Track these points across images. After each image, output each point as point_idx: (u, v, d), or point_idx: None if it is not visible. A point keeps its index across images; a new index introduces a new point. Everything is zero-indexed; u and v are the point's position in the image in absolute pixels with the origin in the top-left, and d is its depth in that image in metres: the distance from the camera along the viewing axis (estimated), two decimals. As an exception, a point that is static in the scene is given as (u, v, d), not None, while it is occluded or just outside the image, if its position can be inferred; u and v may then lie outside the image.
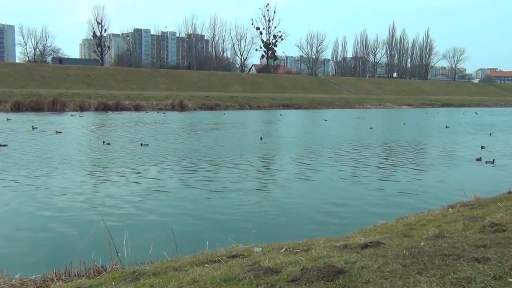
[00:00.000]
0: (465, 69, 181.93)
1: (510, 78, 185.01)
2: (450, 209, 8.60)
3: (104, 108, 50.23)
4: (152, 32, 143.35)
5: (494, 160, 18.57)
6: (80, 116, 41.81)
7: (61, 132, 26.94)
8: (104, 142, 22.71)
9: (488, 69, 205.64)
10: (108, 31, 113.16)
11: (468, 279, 3.60)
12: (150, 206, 11.28)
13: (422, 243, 4.95)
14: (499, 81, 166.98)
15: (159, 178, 14.72)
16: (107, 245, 6.35)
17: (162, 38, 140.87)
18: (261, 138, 25.82)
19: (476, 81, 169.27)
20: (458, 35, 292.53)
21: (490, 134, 31.17)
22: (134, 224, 9.73)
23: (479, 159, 19.07)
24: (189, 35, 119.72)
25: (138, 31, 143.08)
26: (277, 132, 31.76)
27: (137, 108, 52.58)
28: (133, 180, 14.32)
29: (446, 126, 37.86)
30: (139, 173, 15.46)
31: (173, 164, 17.46)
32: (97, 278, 5.37)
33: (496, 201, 8.61)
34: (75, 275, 5.99)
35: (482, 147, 22.72)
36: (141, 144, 22.22)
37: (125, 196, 12.22)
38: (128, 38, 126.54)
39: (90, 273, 5.91)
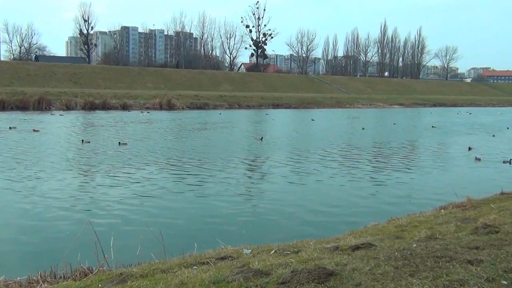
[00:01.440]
0: (458, 68, 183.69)
1: (503, 78, 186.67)
2: (442, 210, 8.60)
3: (90, 107, 49.76)
4: (140, 30, 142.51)
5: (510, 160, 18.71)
6: (60, 115, 41.27)
7: (38, 131, 26.64)
8: (83, 140, 22.59)
9: (480, 68, 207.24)
10: (95, 29, 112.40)
11: (461, 281, 3.56)
12: (137, 207, 11.14)
13: (414, 245, 4.91)
14: (491, 81, 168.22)
15: (145, 178, 14.52)
16: (93, 246, 6.24)
17: (150, 36, 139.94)
18: (261, 139, 25.66)
19: (468, 80, 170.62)
20: (451, 33, 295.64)
21: (494, 135, 30.89)
22: (121, 225, 9.59)
23: (478, 159, 19.23)
24: (177, 33, 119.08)
25: (125, 29, 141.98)
26: (269, 133, 31.68)
27: (124, 107, 52.16)
28: (117, 180, 14.13)
29: (433, 126, 38.09)
30: (122, 172, 15.27)
31: (157, 164, 17.28)
32: (83, 280, 5.28)
33: (488, 202, 8.62)
34: (60, 277, 5.89)
35: (469, 148, 22.79)
36: (119, 143, 22.08)
37: (110, 196, 12.05)
38: (115, 36, 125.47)
39: (76, 275, 5.81)
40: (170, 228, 9.40)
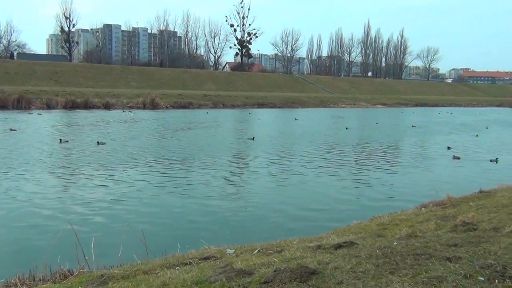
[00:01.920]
0: (439, 69, 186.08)
1: (482, 78, 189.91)
2: (423, 208, 8.71)
3: (72, 106, 49.17)
4: (123, 28, 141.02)
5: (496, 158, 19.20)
6: (39, 114, 40.65)
7: (15, 130, 26.26)
8: (61, 140, 22.34)
9: (461, 69, 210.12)
10: (77, 26, 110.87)
11: (440, 278, 3.62)
12: (118, 208, 11.02)
13: (395, 243, 4.97)
14: (471, 81, 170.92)
15: (125, 178, 14.37)
16: (74, 248, 6.15)
17: (133, 34, 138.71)
18: (253, 139, 25.57)
19: (449, 81, 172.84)
20: (432, 35, 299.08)
21: (477, 135, 31.26)
22: (102, 227, 9.49)
23: (457, 157, 19.64)
24: (161, 32, 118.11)
25: (108, 27, 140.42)
26: (256, 132, 31.70)
27: (107, 106, 51.65)
28: (96, 180, 13.98)
29: (412, 126, 38.51)
30: (101, 173, 15.13)
31: (138, 164, 17.12)
32: (63, 283, 5.21)
33: (468, 200, 8.77)
34: (40, 280, 5.79)
35: (448, 148, 23.07)
36: (98, 142, 21.87)
37: (90, 197, 11.89)
38: (97, 33, 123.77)
39: (56, 278, 5.72)
40: (153, 228, 9.33)
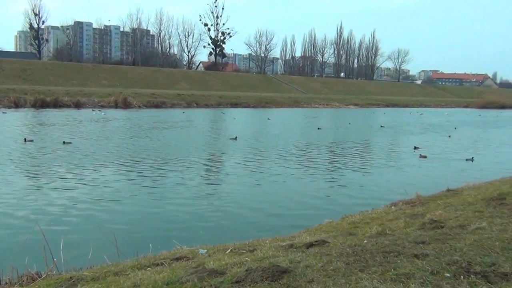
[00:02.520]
0: (409, 71, 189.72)
1: (450, 80, 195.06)
2: (392, 207, 8.88)
3: (41, 104, 47.97)
4: (94, 26, 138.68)
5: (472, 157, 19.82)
6: (3, 113, 39.54)
7: None
8: (25, 139, 21.85)
9: (430, 70, 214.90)
10: (47, 23, 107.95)
11: (408, 275, 3.70)
12: (88, 209, 10.79)
13: (365, 241, 5.05)
14: (440, 83, 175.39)
15: (95, 179, 14.10)
16: (42, 250, 5.99)
17: (105, 32, 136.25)
18: (235, 138, 25.48)
19: (419, 82, 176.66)
20: (403, 37, 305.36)
21: (450, 136, 31.72)
22: (71, 228, 9.29)
23: (424, 156, 20.23)
24: (133, 30, 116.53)
25: (79, 24, 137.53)
26: (231, 132, 31.63)
27: (78, 105, 50.64)
28: (64, 181, 13.66)
29: (381, 126, 39.19)
30: (68, 173, 14.79)
31: (106, 164, 16.85)
32: (30, 286, 5.10)
33: (436, 199, 8.98)
34: (6, 283, 5.64)
35: (415, 148, 23.43)
36: (64, 142, 21.46)
37: (58, 199, 11.62)
38: (68, 31, 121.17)
39: (23, 280, 5.57)
40: (124, 229, 9.19)
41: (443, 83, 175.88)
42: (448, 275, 3.71)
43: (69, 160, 17.07)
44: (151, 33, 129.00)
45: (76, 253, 6.74)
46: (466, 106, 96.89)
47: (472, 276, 3.66)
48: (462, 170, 17.43)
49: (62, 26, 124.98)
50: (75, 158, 17.66)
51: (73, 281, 4.63)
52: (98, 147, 20.75)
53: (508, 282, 3.54)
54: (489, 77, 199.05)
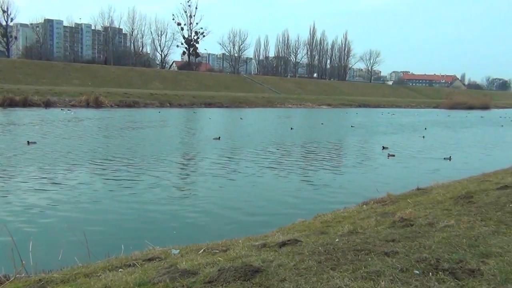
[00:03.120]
0: (380, 72, 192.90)
1: (420, 81, 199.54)
2: (364, 205, 9.00)
3: (10, 104, 46.74)
4: (65, 24, 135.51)
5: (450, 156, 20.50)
6: None
7: None
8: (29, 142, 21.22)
9: (401, 72, 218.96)
10: (15, 20, 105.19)
11: (378, 272, 3.77)
12: (59, 209, 10.58)
13: (337, 240, 5.11)
14: (411, 84, 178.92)
15: (62, 180, 13.77)
16: (10, 252, 5.82)
17: (76, 30, 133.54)
18: (219, 138, 25.30)
19: (390, 83, 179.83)
20: (374, 39, 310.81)
21: (423, 136, 32.12)
22: (40, 229, 9.08)
23: (392, 155, 20.79)
24: (105, 28, 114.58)
25: (49, 22, 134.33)
26: (205, 132, 31.46)
27: (48, 104, 49.52)
28: (29, 182, 13.30)
29: (352, 126, 39.70)
30: (33, 173, 14.45)
31: (75, 164, 16.51)
32: (-3, 289, 4.93)
33: (406, 197, 9.16)
34: (-29, 287, 5.45)
35: (384, 148, 23.72)
36: (28, 142, 20.92)
37: (27, 198, 11.35)
38: (37, 28, 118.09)
39: (-10, 284, 5.41)
40: (96, 231, 9.03)
41: (414, 84, 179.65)
42: (417, 272, 3.79)
43: (33, 160, 16.67)
44: (123, 32, 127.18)
45: (46, 255, 6.58)
46: (435, 107, 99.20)
47: (440, 272, 3.75)
48: (433, 169, 17.81)
49: (31, 24, 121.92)
50: (39, 158, 17.24)
51: (42, 284, 4.53)
52: (63, 147, 20.32)
53: (474, 278, 3.65)
54: (458, 79, 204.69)
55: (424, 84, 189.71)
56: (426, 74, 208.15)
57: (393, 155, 20.75)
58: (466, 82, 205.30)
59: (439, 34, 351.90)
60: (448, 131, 39.64)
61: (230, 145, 23.96)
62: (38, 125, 30.10)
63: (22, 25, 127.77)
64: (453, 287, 3.48)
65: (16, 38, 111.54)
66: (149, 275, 4.26)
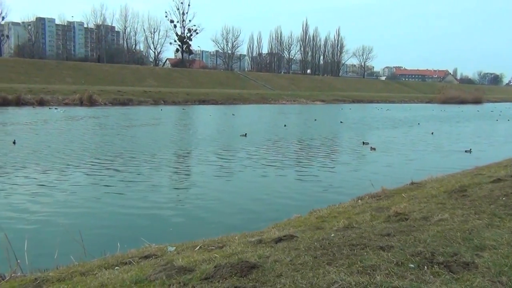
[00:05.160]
0: (373, 67, 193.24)
1: (413, 76, 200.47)
2: (359, 200, 9.03)
3: (3, 103, 46.41)
4: (57, 22, 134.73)
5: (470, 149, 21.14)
6: None
7: None
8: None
9: (393, 67, 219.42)
10: (7, 19, 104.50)
11: (373, 266, 3.78)
12: (54, 208, 10.54)
13: (332, 235, 5.13)
14: (403, 79, 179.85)
15: (60, 178, 13.75)
16: (5, 252, 5.80)
17: (68, 29, 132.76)
18: (245, 135, 25.36)
19: (383, 78, 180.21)
20: (367, 34, 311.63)
21: (432, 133, 32.38)
22: (36, 228, 9.04)
23: (373, 148, 21.29)
24: (98, 26, 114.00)
25: (41, 20, 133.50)
26: (198, 129, 31.40)
27: (41, 103, 49.24)
28: (27, 180, 13.26)
29: (341, 122, 39.73)
30: (21, 173, 14.35)
31: (69, 163, 16.43)
32: (-7, 288, 4.91)
33: (400, 192, 9.20)
34: (-34, 287, 5.43)
35: (364, 143, 23.70)
36: (14, 142, 20.71)
37: (22, 198, 11.28)
38: (29, 27, 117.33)
39: (-15, 284, 5.39)
40: (92, 229, 9.01)
41: (406, 79, 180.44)
42: (412, 266, 3.81)
43: (20, 160, 16.51)
44: (116, 30, 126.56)
45: (41, 253, 6.56)
46: (428, 102, 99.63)
47: (435, 266, 3.77)
48: (456, 161, 18.05)
49: (23, 22, 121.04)
50: (27, 157, 17.09)
51: (38, 283, 4.52)
52: (50, 146, 20.17)
53: (469, 271, 3.67)
54: (450, 73, 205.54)
55: (416, 79, 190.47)
56: (419, 69, 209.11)
57: (374, 149, 21.17)
58: (458, 77, 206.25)
59: (431, 29, 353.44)
60: (449, 125, 39.79)
61: (224, 142, 23.95)
62: (32, 124, 29.87)
63: (13, 23, 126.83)
64: (448, 280, 3.50)
65: (8, 37, 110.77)
66: (145, 272, 4.26)
